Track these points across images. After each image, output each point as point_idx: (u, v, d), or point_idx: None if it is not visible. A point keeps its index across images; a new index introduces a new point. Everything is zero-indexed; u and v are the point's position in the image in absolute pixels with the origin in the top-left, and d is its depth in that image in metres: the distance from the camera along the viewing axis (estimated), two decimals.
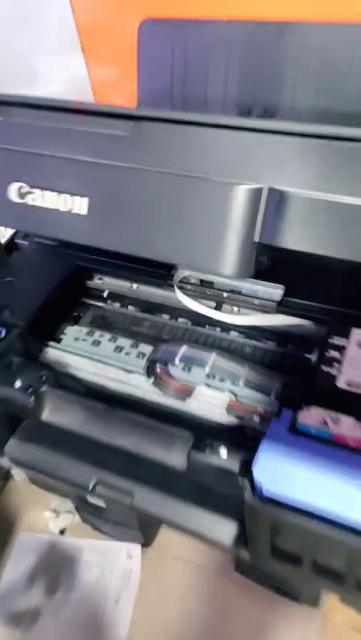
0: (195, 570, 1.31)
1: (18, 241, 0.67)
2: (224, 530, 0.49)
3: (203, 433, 0.46)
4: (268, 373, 0.52)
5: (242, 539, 0.48)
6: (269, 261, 0.32)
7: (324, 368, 0.47)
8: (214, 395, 0.53)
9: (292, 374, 0.52)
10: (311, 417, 0.43)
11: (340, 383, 0.45)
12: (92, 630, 1.23)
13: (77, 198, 0.33)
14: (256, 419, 0.49)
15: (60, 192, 0.33)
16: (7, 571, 1.33)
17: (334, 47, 0.59)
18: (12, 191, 0.35)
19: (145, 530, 1.30)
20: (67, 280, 0.64)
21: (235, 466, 0.43)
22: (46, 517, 1.43)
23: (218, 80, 0.64)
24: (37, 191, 0.34)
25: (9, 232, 0.66)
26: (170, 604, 1.26)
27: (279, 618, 1.20)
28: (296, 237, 0.27)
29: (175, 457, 0.47)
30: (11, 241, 0.66)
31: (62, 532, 1.41)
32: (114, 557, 1.34)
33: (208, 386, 0.54)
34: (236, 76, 0.63)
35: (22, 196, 0.35)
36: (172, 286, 0.60)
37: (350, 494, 0.38)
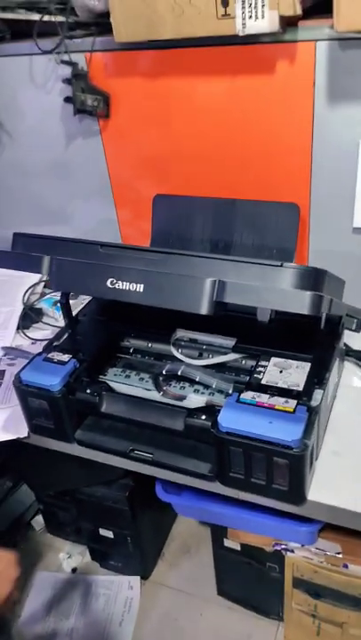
0: (185, 596, 1.61)
1: (80, 317, 1.11)
2: (203, 467, 0.88)
3: (191, 410, 0.87)
4: (226, 384, 0.94)
5: (213, 471, 0.87)
6: (222, 310, 0.76)
7: (255, 375, 0.89)
8: (198, 397, 0.95)
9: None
10: (247, 395, 0.85)
11: (263, 381, 0.88)
12: None
13: (139, 285, 0.77)
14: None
15: (130, 282, 0.78)
16: (28, 603, 1.61)
17: (260, 212, 1.08)
18: (108, 282, 0.79)
19: (144, 561, 1.60)
20: (109, 339, 1.07)
21: (209, 422, 0.84)
22: (60, 559, 1.73)
23: (198, 228, 1.13)
24: (120, 282, 0.79)
25: (76, 310, 1.11)
26: (165, 624, 1.54)
27: (256, 629, 1.49)
28: (229, 297, 0.72)
29: (177, 423, 0.87)
30: (76, 316, 1.10)
31: (74, 570, 1.71)
32: (117, 588, 1.64)
33: (195, 394, 0.96)
34: (209, 226, 1.12)
35: (113, 284, 0.79)
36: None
37: (264, 424, 0.79)
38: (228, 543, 1.40)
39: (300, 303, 0.68)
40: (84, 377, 0.96)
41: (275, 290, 0.70)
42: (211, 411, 0.86)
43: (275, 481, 0.82)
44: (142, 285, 0.77)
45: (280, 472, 0.80)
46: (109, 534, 1.56)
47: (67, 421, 0.95)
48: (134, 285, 0.77)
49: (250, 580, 1.46)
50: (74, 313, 1.10)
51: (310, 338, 0.96)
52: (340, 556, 1.15)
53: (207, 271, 0.75)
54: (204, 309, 0.73)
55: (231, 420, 0.81)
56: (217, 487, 0.89)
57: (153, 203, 1.16)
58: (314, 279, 0.71)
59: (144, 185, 1.24)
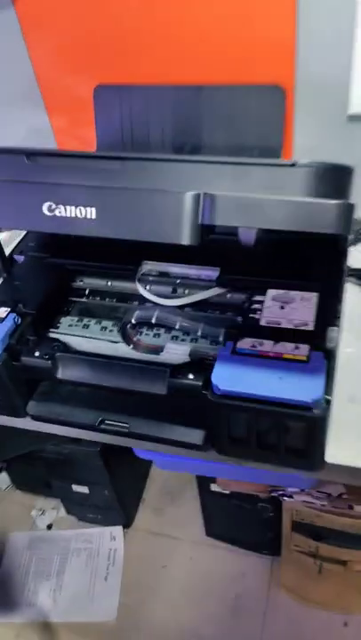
0: (172, 541, 1.51)
1: (15, 256, 0.87)
2: (195, 436, 0.70)
3: (175, 368, 0.68)
4: (215, 329, 0.75)
5: (208, 439, 0.69)
6: (208, 236, 0.54)
7: (250, 314, 0.70)
8: (179, 347, 0.75)
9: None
10: (245, 344, 0.65)
11: (262, 322, 0.68)
12: (87, 604, 1.40)
13: (88, 208, 0.54)
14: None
15: (76, 205, 0.55)
16: (3, 569, 1.47)
17: (234, 101, 0.84)
18: (45, 208, 0.55)
19: (125, 509, 1.48)
20: (57, 282, 0.85)
21: (199, 382, 0.65)
22: (33, 516, 1.59)
23: (156, 128, 0.88)
24: (61, 206, 0.55)
25: (10, 247, 0.86)
26: (153, 572, 1.45)
27: (250, 567, 1.41)
28: (220, 218, 0.50)
29: (158, 386, 0.68)
30: (10, 256, 0.86)
31: (50, 527, 1.57)
32: (98, 541, 1.52)
33: (173, 342, 0.76)
34: (169, 124, 0.87)
35: (51, 210, 0.56)
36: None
37: (273, 381, 0.60)
38: (215, 488, 1.28)
39: (329, 219, 0.47)
40: (29, 335, 0.75)
41: (289, 203, 0.48)
42: (200, 365, 0.67)
43: (287, 448, 0.65)
44: (94, 209, 0.54)
45: (295, 437, 0.63)
46: (84, 489, 1.42)
47: (13, 394, 0.75)
48: (82, 210, 0.54)
49: (240, 520, 1.37)
50: (6, 252, 0.85)
51: (311, 260, 0.76)
52: (345, 497, 1.04)
53: (186, 182, 0.52)
54: (185, 238, 0.51)
55: (229, 379, 0.62)
56: (213, 456, 0.72)
57: (94, 97, 0.90)
58: (339, 181, 0.50)
59: (81, 80, 0.96)
